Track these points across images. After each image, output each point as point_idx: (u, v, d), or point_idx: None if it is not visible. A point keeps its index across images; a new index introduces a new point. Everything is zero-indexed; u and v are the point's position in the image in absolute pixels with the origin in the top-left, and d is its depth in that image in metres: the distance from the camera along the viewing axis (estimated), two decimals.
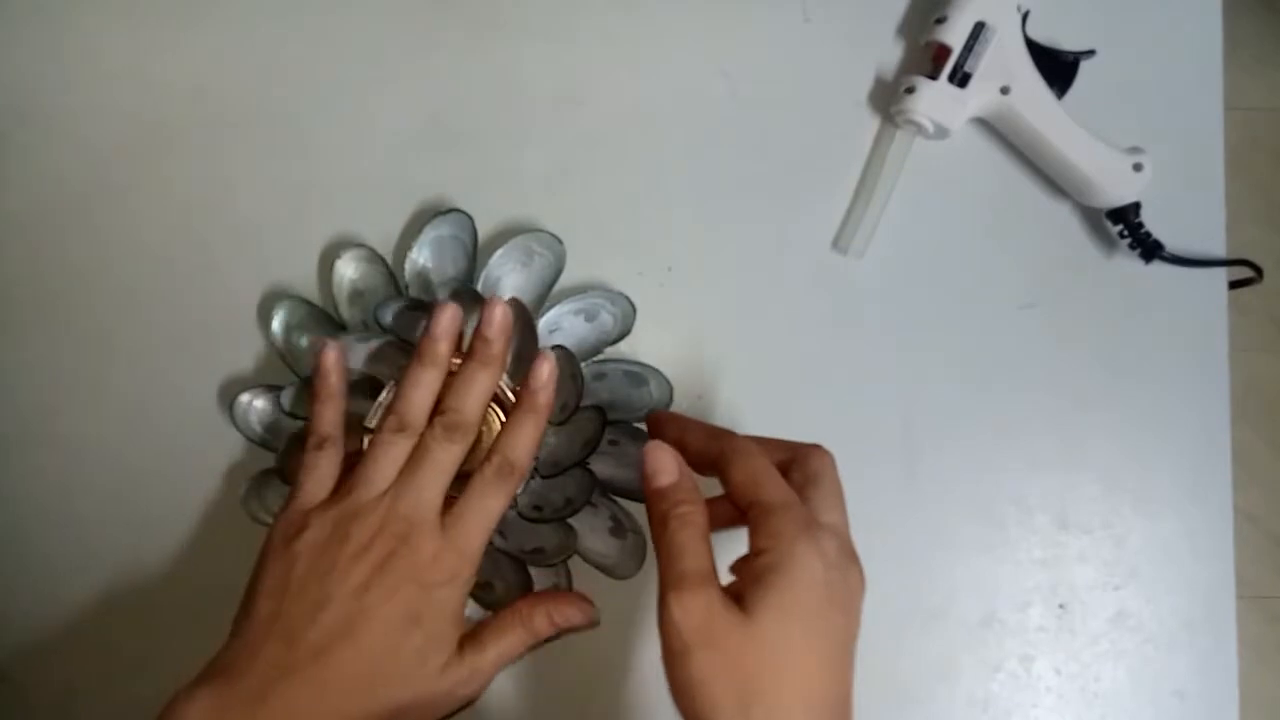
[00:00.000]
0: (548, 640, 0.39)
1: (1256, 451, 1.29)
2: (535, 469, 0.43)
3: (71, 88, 0.50)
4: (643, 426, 0.46)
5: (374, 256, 0.46)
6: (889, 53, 0.52)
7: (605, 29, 0.51)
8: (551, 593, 0.40)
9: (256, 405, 0.45)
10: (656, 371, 0.46)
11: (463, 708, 0.37)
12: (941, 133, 0.49)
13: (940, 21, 0.49)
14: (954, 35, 0.48)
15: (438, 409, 0.39)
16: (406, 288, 0.46)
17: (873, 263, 0.50)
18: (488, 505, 0.38)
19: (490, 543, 0.43)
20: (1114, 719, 0.48)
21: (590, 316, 0.46)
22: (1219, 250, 0.51)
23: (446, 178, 0.49)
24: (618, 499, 0.45)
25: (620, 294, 0.46)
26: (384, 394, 0.42)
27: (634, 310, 0.46)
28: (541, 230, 0.46)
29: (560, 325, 0.46)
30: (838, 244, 0.50)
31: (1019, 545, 0.49)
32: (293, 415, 0.44)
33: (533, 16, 0.51)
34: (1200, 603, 0.49)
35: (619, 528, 0.45)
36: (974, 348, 0.50)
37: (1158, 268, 0.49)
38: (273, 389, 0.45)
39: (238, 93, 0.50)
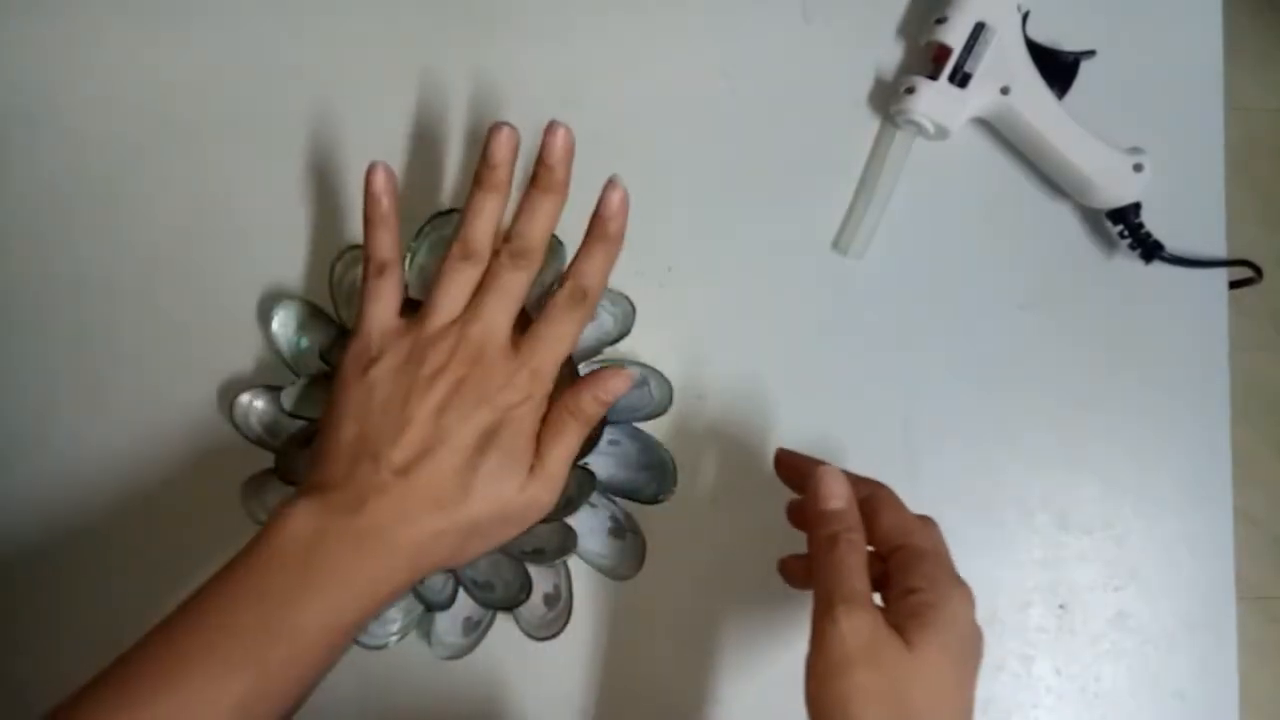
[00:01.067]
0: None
1: (1256, 452, 1.29)
2: None
3: (71, 87, 0.50)
4: (643, 427, 0.46)
5: None
6: (889, 53, 0.52)
7: (605, 29, 0.51)
8: (590, 376, 0.39)
9: (257, 405, 0.45)
10: (656, 371, 0.46)
11: (542, 516, 0.39)
12: (941, 133, 0.49)
13: (940, 22, 0.49)
14: (954, 35, 0.48)
15: (505, 236, 0.40)
16: (407, 287, 0.46)
17: (873, 263, 0.50)
18: (559, 331, 0.39)
19: None
20: (1114, 719, 0.48)
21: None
22: (1219, 250, 0.51)
23: (447, 177, 0.49)
24: (617, 500, 0.45)
25: (620, 294, 0.46)
26: None
27: (633, 310, 0.46)
28: None
29: None
30: (838, 244, 0.50)
31: (1019, 545, 0.49)
32: (294, 415, 0.44)
33: (532, 16, 0.51)
34: (1200, 603, 0.49)
35: (619, 528, 0.45)
36: (974, 348, 0.50)
37: (1158, 268, 0.49)
38: (273, 389, 0.45)
39: (237, 92, 0.50)
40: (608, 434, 0.43)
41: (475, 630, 0.44)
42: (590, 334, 0.46)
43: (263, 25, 0.50)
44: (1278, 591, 1.27)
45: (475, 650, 0.44)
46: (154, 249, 0.49)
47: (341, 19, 0.51)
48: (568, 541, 0.43)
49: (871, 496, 0.38)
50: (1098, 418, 0.50)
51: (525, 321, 0.40)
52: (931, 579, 0.34)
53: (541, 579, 0.44)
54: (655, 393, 0.46)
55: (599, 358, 0.46)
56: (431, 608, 0.43)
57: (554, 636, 0.44)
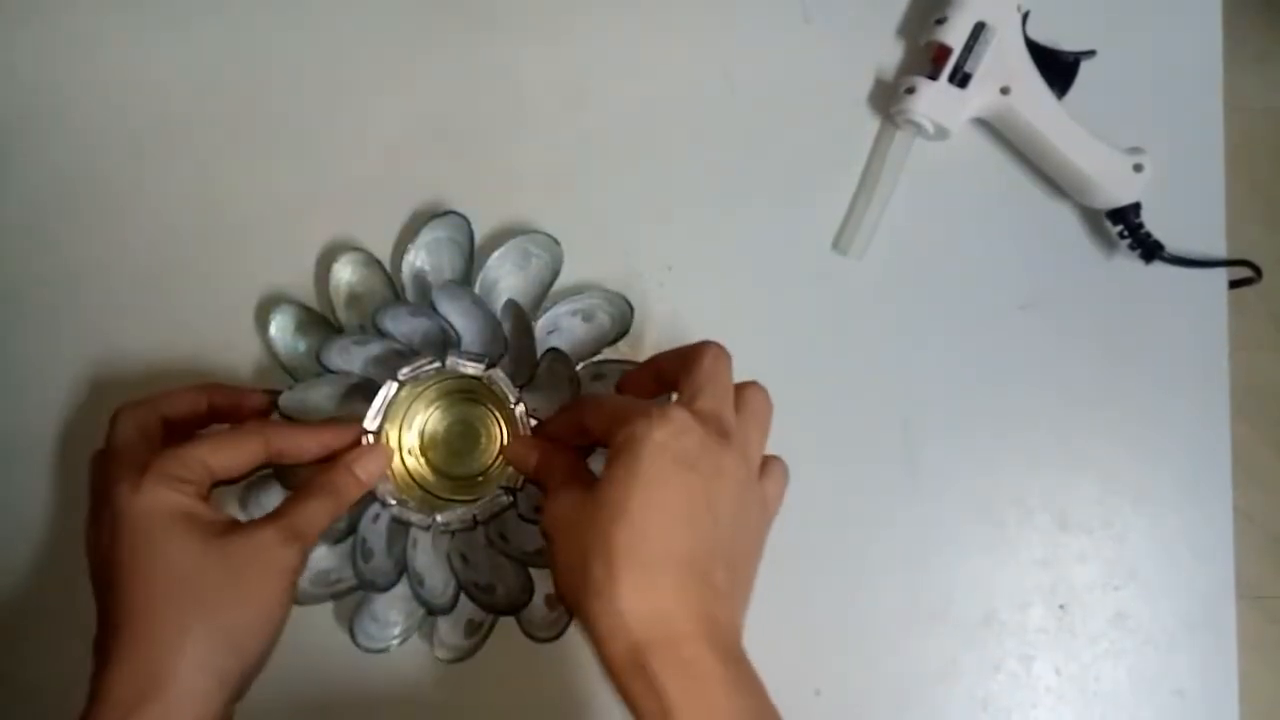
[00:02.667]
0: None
1: (1256, 451, 1.29)
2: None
3: (70, 89, 0.50)
4: None
5: (371, 260, 0.46)
6: (889, 53, 0.52)
7: (605, 29, 0.51)
8: (353, 453, 0.40)
9: None
10: None
11: (289, 595, 0.37)
12: (941, 133, 0.49)
13: (940, 22, 0.49)
14: (954, 35, 0.48)
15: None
16: (403, 290, 0.46)
17: (873, 263, 0.50)
18: None
19: (491, 545, 0.44)
20: (1114, 719, 0.48)
21: (587, 317, 0.46)
22: (1219, 250, 0.51)
23: (445, 178, 0.49)
24: None
25: (618, 294, 0.46)
26: (380, 396, 0.42)
27: (631, 311, 0.46)
28: (538, 231, 0.46)
29: (558, 326, 0.46)
30: (838, 245, 0.50)
31: (1019, 545, 0.49)
32: (292, 419, 0.44)
33: (533, 16, 0.51)
34: (1200, 603, 0.49)
35: None
36: (974, 348, 0.50)
37: (1158, 268, 0.49)
38: (271, 393, 0.45)
39: (236, 93, 0.50)
40: None
41: (477, 632, 0.44)
42: (588, 334, 0.46)
43: (262, 25, 0.50)
44: (1277, 591, 1.27)
45: (478, 652, 0.44)
46: (151, 251, 0.49)
47: (341, 19, 0.51)
48: None
49: (580, 418, 0.39)
50: (1097, 417, 0.50)
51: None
52: (622, 423, 0.34)
53: (543, 580, 0.44)
54: None
55: (597, 358, 0.46)
56: (433, 611, 0.43)
57: (557, 637, 0.44)
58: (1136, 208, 0.48)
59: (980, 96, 0.48)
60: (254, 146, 0.49)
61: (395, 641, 0.44)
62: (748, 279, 0.50)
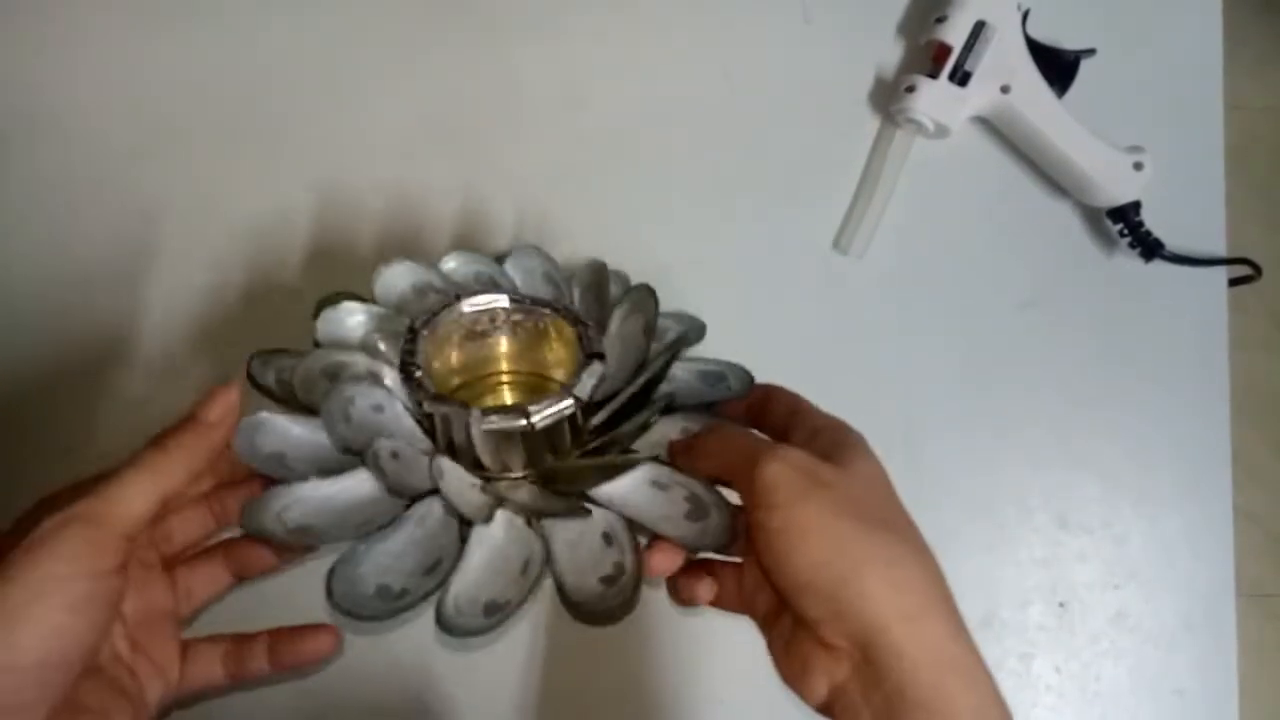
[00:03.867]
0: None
1: (1256, 451, 1.29)
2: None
3: (70, 88, 0.50)
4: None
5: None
6: (889, 52, 0.52)
7: (606, 29, 0.51)
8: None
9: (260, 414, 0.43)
10: (734, 365, 0.42)
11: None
12: (942, 132, 0.49)
13: (940, 20, 0.49)
14: (954, 34, 0.48)
15: None
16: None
17: (873, 262, 0.50)
18: None
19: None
20: (1114, 718, 0.48)
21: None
22: (1219, 249, 0.51)
23: (445, 178, 0.49)
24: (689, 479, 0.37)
25: (688, 315, 0.44)
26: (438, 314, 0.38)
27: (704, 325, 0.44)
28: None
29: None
30: (838, 244, 0.50)
31: (1019, 545, 0.49)
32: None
33: (533, 16, 0.51)
34: (1200, 602, 0.49)
35: (698, 509, 0.37)
36: (974, 348, 0.50)
37: (1158, 266, 0.49)
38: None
39: (236, 93, 0.50)
40: (681, 421, 0.40)
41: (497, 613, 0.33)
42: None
43: (262, 25, 0.50)
44: (1277, 589, 1.27)
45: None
46: (152, 250, 0.49)
47: (341, 20, 0.51)
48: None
49: (767, 394, 0.39)
50: (1098, 416, 0.50)
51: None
52: (828, 418, 0.35)
53: (604, 556, 0.35)
54: (733, 385, 0.41)
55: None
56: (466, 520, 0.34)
57: (614, 619, 0.34)
58: (1136, 206, 0.48)
59: (980, 95, 0.48)
60: (254, 147, 0.49)
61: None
62: (748, 279, 0.50)
